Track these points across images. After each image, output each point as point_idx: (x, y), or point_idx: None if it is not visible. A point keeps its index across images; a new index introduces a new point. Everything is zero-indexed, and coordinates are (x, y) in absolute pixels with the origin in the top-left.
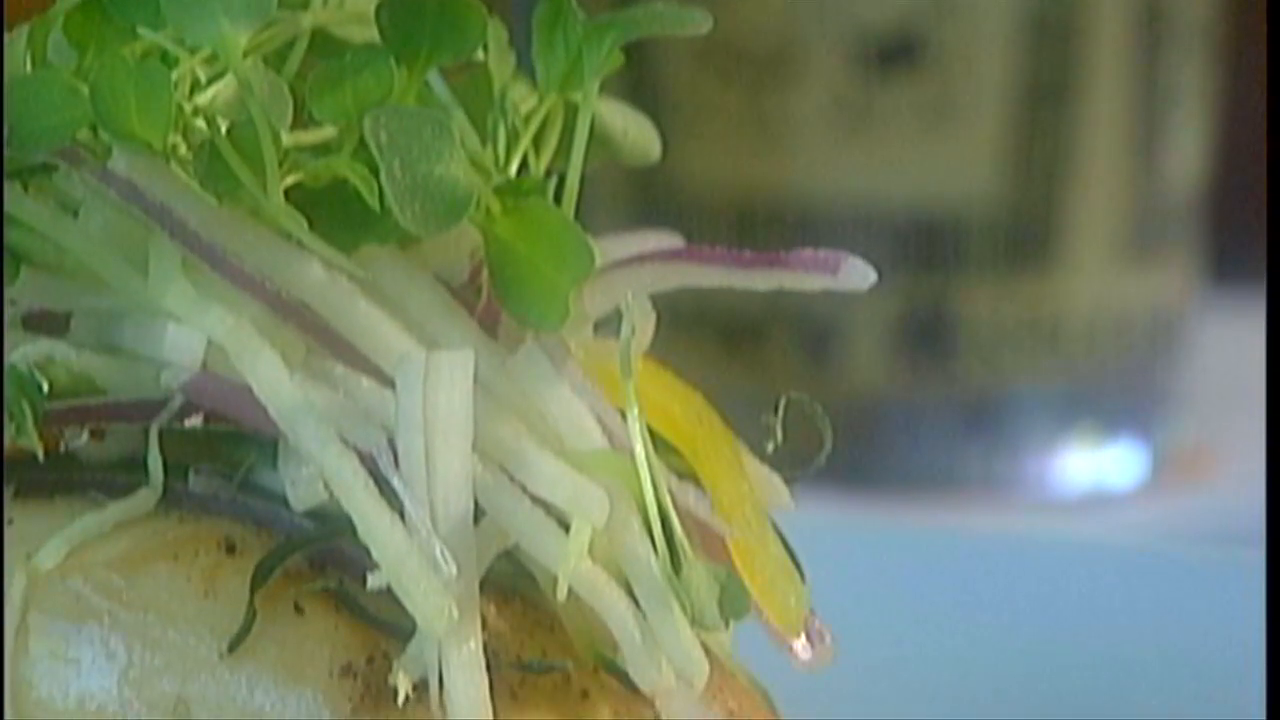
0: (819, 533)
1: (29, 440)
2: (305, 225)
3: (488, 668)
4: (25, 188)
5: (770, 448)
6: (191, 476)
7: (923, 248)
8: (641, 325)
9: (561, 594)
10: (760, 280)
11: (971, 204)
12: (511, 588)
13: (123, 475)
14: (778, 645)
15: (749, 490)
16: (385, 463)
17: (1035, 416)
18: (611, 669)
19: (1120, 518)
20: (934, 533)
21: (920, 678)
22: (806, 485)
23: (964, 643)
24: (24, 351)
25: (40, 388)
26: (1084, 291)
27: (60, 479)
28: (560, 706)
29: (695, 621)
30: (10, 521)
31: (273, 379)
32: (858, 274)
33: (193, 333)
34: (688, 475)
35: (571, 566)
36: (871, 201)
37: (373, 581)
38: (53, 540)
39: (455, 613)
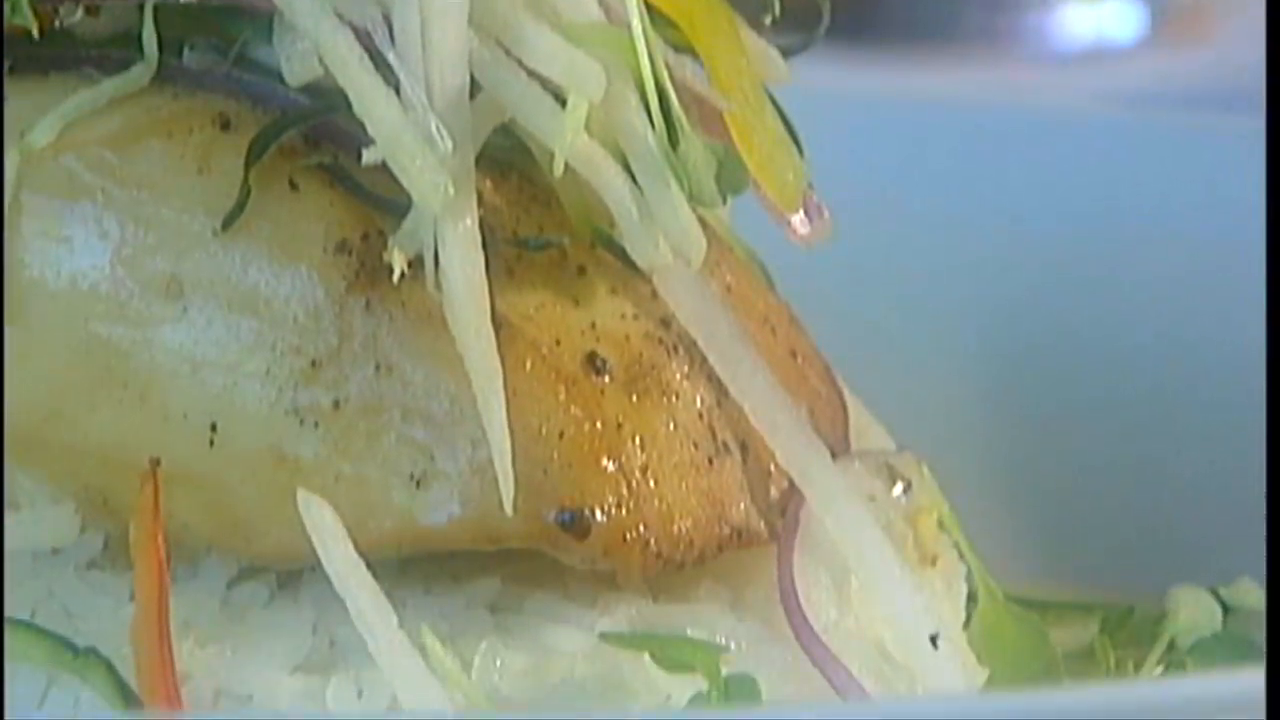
0: (817, 106)
1: (24, 18)
2: None
3: (484, 244)
4: None
5: (768, 20)
6: (186, 52)
7: None
8: None
9: (558, 169)
10: None
11: None
12: (508, 163)
13: (117, 51)
14: (775, 220)
15: (747, 64)
16: (381, 37)
17: None
18: (608, 245)
19: (1118, 73)
20: (933, 104)
21: (918, 250)
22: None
23: (962, 214)
24: None
25: None
26: None
27: (55, 55)
28: (557, 283)
29: (692, 197)
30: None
31: None
32: None
33: None
34: (685, 49)
35: (568, 141)
36: None
37: (368, 157)
38: (46, 117)
39: (451, 188)
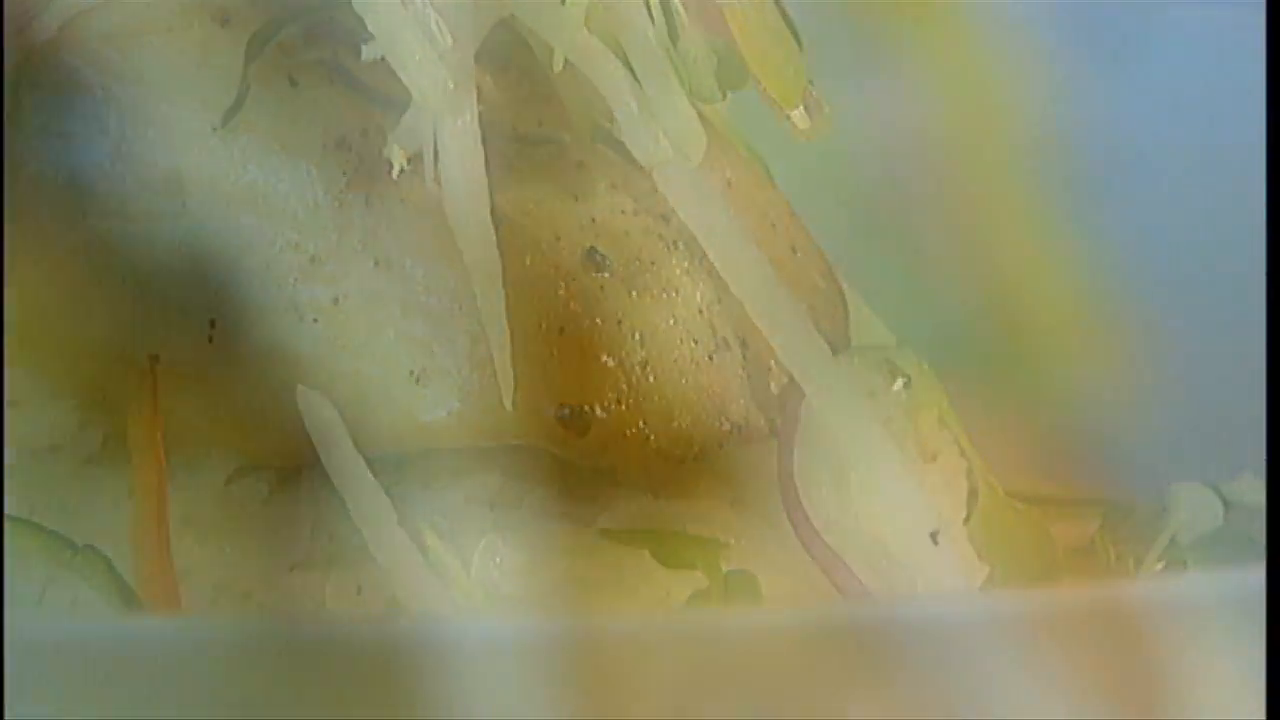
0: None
1: None
2: None
3: (483, 139)
4: None
5: None
6: None
7: None
8: None
9: (558, 64)
10: None
11: None
12: (508, 59)
13: None
14: (776, 116)
15: None
16: None
17: None
18: (608, 141)
19: None
20: None
21: (917, 147)
22: None
23: (961, 111)
24: None
25: None
26: None
27: None
28: (556, 178)
29: (692, 93)
30: None
31: None
32: None
33: None
34: None
35: (568, 37)
36: None
37: (367, 53)
38: (46, 13)
39: (450, 84)
